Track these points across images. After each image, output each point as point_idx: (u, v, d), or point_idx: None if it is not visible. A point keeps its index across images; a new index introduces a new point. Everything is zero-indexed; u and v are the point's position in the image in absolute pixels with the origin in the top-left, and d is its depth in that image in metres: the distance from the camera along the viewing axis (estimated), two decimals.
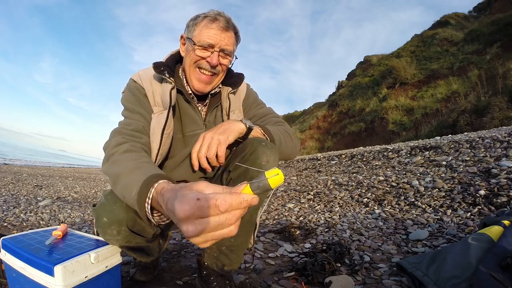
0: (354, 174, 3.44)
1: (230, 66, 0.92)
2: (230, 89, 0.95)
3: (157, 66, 0.87)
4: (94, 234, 0.91)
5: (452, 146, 3.39)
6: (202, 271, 0.95)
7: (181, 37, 0.93)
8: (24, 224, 1.84)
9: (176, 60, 0.97)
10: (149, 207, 0.56)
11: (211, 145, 0.77)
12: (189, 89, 0.93)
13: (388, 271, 1.16)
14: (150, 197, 0.56)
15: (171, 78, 0.86)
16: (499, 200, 1.69)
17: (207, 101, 0.97)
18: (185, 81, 0.94)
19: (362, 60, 19.76)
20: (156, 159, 0.85)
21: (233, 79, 0.97)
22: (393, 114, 11.92)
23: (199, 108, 0.95)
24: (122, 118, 0.89)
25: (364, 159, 4.28)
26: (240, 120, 0.86)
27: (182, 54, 0.94)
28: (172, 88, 0.86)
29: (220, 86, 0.96)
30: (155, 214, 0.59)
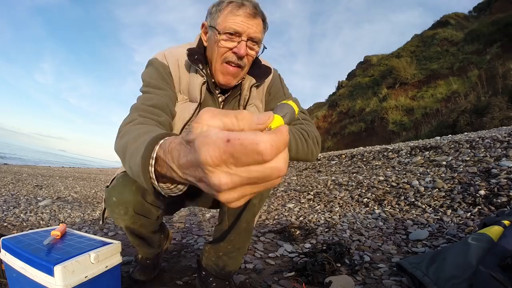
0: (354, 174, 3.44)
1: (258, 56, 0.86)
2: (254, 81, 0.88)
3: (191, 53, 0.80)
4: (102, 216, 0.95)
5: (452, 146, 3.39)
6: (202, 272, 0.95)
7: (203, 25, 0.85)
8: (24, 224, 1.84)
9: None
10: (152, 169, 0.41)
11: None
12: (212, 79, 0.87)
13: (388, 271, 1.15)
14: (154, 156, 0.40)
15: (203, 71, 0.81)
16: (499, 200, 1.69)
17: (229, 92, 0.91)
18: (209, 71, 0.87)
19: (362, 60, 19.76)
20: None
21: (259, 71, 0.89)
22: (393, 114, 11.93)
23: (219, 100, 0.90)
24: (140, 94, 0.81)
25: (364, 159, 4.28)
26: None
27: (205, 44, 0.86)
28: (203, 83, 0.81)
29: (244, 76, 0.88)
30: (163, 184, 0.44)
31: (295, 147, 0.81)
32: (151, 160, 0.41)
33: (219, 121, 0.28)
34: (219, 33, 0.77)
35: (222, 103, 0.90)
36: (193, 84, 0.82)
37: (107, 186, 0.85)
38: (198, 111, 0.80)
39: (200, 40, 0.87)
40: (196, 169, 0.28)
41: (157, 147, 0.40)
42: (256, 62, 0.88)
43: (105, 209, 0.90)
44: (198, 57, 0.81)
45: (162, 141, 0.41)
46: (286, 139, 0.26)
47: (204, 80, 0.81)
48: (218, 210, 0.98)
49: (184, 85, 0.84)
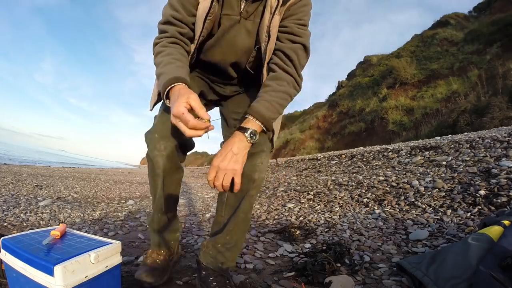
0: (354, 174, 3.44)
1: None
2: None
3: None
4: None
5: (452, 146, 3.39)
6: (201, 271, 0.96)
7: None
8: (24, 224, 1.84)
9: None
10: (166, 93, 0.79)
11: (226, 176, 0.78)
12: None
13: (388, 271, 1.16)
14: (167, 90, 0.78)
15: None
16: (499, 200, 1.69)
17: None
18: None
19: (362, 60, 19.77)
20: (198, 40, 0.90)
21: None
22: (393, 114, 11.92)
23: None
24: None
25: (364, 159, 4.28)
26: (243, 133, 0.82)
27: None
28: None
29: None
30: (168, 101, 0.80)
31: (278, 111, 0.88)
32: (165, 90, 0.79)
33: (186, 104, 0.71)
34: None
35: (244, 3, 0.88)
36: None
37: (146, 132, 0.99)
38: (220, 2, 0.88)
39: None
40: (172, 109, 0.73)
41: (169, 87, 0.78)
42: None
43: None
44: None
45: (174, 85, 0.77)
46: (199, 125, 0.69)
47: None
48: (216, 205, 1.02)
49: None
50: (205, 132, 0.72)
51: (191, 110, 0.71)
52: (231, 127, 1.09)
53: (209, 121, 0.72)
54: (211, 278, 0.93)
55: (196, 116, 0.71)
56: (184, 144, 0.97)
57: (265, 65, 0.92)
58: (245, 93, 1.09)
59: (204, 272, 0.95)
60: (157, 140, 0.91)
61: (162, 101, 0.94)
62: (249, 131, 0.81)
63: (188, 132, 0.70)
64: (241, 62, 0.96)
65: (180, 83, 0.77)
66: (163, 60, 0.83)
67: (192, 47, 0.94)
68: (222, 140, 1.08)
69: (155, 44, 0.90)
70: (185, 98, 0.71)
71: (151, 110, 1.01)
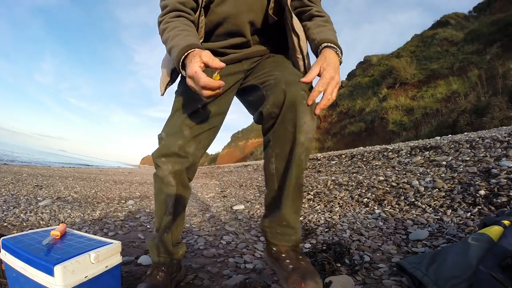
0: (354, 174, 3.44)
1: None
2: None
3: None
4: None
5: (452, 146, 3.39)
6: (272, 249, 0.91)
7: None
8: (24, 224, 1.84)
9: None
10: (181, 63, 0.77)
11: (336, 89, 0.77)
12: None
13: (388, 271, 1.15)
14: (183, 58, 0.76)
15: None
16: (499, 200, 1.69)
17: None
18: None
19: (362, 60, 19.77)
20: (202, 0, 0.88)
21: None
22: (393, 114, 11.93)
23: None
24: None
25: (364, 159, 4.28)
26: (335, 50, 0.81)
27: None
28: None
29: None
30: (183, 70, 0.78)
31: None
32: (182, 56, 0.76)
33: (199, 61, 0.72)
34: None
35: None
36: None
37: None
38: None
39: None
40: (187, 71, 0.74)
41: (184, 54, 0.75)
42: None
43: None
44: None
45: (188, 52, 0.75)
46: (208, 85, 0.70)
47: None
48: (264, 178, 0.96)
49: None
50: (218, 89, 0.71)
51: (208, 71, 0.72)
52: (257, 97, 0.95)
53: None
54: (283, 255, 0.88)
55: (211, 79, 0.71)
56: (193, 163, 0.96)
57: (289, 5, 0.88)
58: (268, 59, 1.01)
59: (274, 249, 0.90)
60: (163, 161, 0.92)
61: (177, 90, 0.96)
62: (337, 50, 0.82)
63: (203, 92, 0.70)
64: (257, 9, 0.91)
65: (193, 49, 0.75)
66: (170, 35, 0.82)
67: (197, 15, 0.90)
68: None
69: (159, 23, 0.88)
70: (198, 58, 0.71)
71: (163, 94, 0.99)
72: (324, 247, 1.36)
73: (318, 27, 0.87)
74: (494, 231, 0.91)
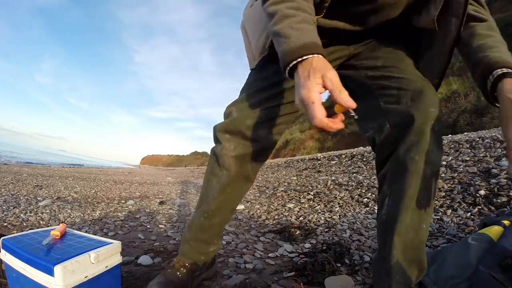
0: (354, 174, 3.44)
1: None
2: None
3: None
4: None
5: (452, 146, 3.38)
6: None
7: None
8: (24, 224, 1.84)
9: None
10: (291, 66, 0.54)
11: None
12: None
13: None
14: (298, 61, 0.53)
15: None
16: (499, 200, 1.69)
17: None
18: None
19: None
20: None
21: None
22: None
23: None
24: None
25: (364, 159, 4.28)
26: None
27: None
28: None
29: None
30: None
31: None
32: (299, 58, 0.53)
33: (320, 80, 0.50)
34: None
35: None
36: None
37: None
38: None
39: None
40: (297, 90, 0.53)
41: (304, 58, 0.52)
42: None
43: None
44: None
45: (309, 56, 0.52)
46: (327, 127, 0.51)
47: None
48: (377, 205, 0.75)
49: None
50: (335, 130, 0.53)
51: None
52: (367, 91, 0.73)
53: (347, 114, 0.54)
54: None
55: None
56: (263, 148, 0.79)
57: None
58: (381, 43, 0.76)
59: None
60: (227, 138, 0.77)
61: (258, 64, 0.74)
62: None
63: (313, 122, 0.51)
64: None
65: (317, 55, 0.52)
66: (287, 12, 0.56)
67: None
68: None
69: None
70: (319, 78, 0.50)
71: (254, 68, 0.80)
72: (324, 247, 1.36)
73: (483, 38, 0.63)
74: (494, 231, 0.92)
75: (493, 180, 1.99)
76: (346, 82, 0.65)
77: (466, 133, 5.62)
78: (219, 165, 0.80)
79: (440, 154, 0.64)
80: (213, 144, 0.86)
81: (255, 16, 0.79)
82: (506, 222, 0.93)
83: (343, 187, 2.90)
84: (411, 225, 0.62)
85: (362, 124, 0.75)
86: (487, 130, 5.15)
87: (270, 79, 0.77)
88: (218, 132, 0.80)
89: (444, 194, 2.06)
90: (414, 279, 0.64)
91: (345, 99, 0.49)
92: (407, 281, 0.64)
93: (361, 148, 6.36)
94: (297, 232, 1.70)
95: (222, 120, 0.82)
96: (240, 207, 2.70)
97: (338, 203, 2.44)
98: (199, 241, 0.88)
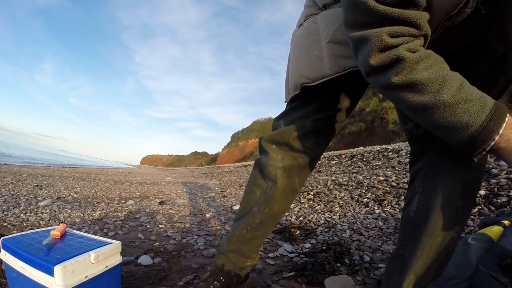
0: (354, 174, 3.44)
1: None
2: None
3: None
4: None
5: None
6: None
7: None
8: (24, 224, 1.84)
9: None
10: (492, 143, 0.43)
11: None
12: None
13: None
14: (501, 131, 0.42)
15: None
16: (499, 200, 1.69)
17: None
18: None
19: None
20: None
21: None
22: (393, 114, 11.92)
23: None
24: None
25: (364, 159, 4.28)
26: None
27: None
28: None
29: None
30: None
31: None
32: (499, 130, 0.42)
33: None
34: None
35: None
36: None
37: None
38: None
39: None
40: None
41: (505, 122, 0.42)
42: None
43: None
44: None
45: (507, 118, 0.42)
46: None
47: None
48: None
49: None
50: None
51: None
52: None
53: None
54: None
55: None
56: (309, 160, 0.78)
57: None
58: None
59: None
60: (274, 149, 0.76)
61: (293, 95, 0.75)
62: None
63: None
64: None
65: (508, 115, 0.44)
66: (446, 75, 0.44)
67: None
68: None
69: (394, 49, 0.46)
70: None
71: (288, 101, 0.81)
72: (324, 247, 1.36)
73: None
74: (494, 231, 0.91)
75: (493, 180, 1.99)
76: None
77: None
78: (263, 176, 0.77)
79: (483, 162, 0.60)
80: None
81: (293, 62, 0.77)
82: (506, 222, 0.93)
83: (343, 187, 2.90)
84: (442, 230, 0.60)
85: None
86: None
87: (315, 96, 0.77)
88: (265, 142, 0.79)
89: None
90: (425, 284, 0.63)
91: None
92: (419, 284, 0.62)
93: (361, 148, 6.36)
94: (297, 232, 1.70)
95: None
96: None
97: (338, 203, 2.44)
98: (238, 254, 0.84)
